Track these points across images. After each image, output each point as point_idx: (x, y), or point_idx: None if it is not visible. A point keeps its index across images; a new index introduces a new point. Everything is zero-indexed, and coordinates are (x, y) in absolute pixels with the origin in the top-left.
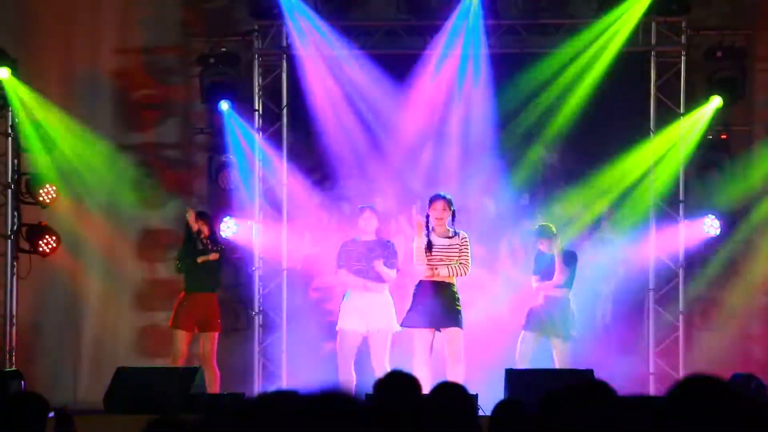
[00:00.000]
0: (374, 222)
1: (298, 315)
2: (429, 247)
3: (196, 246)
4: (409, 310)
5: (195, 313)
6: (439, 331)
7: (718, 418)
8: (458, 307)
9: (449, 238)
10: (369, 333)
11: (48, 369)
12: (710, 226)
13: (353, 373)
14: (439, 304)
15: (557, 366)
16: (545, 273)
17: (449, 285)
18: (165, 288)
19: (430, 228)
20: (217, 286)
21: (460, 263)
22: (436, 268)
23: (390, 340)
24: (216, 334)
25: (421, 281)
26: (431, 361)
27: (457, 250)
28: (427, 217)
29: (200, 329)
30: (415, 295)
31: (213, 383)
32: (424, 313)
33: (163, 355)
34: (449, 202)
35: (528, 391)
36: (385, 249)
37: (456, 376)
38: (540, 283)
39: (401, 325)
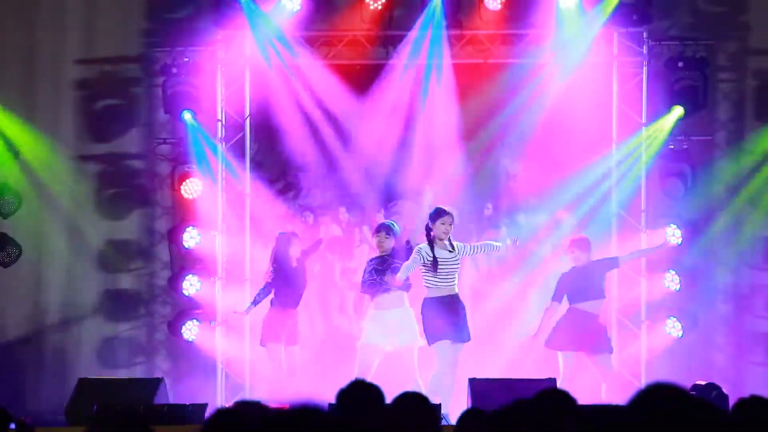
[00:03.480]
0: (390, 242)
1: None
2: (434, 264)
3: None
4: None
5: (283, 327)
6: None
7: (679, 427)
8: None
9: (449, 251)
10: (395, 350)
11: (9, 380)
12: (672, 235)
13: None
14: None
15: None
16: (576, 289)
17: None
18: (127, 299)
19: (434, 243)
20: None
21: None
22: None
23: (416, 354)
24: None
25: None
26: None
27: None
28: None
29: (286, 342)
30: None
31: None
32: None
33: (126, 366)
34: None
35: (491, 400)
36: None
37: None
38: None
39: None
